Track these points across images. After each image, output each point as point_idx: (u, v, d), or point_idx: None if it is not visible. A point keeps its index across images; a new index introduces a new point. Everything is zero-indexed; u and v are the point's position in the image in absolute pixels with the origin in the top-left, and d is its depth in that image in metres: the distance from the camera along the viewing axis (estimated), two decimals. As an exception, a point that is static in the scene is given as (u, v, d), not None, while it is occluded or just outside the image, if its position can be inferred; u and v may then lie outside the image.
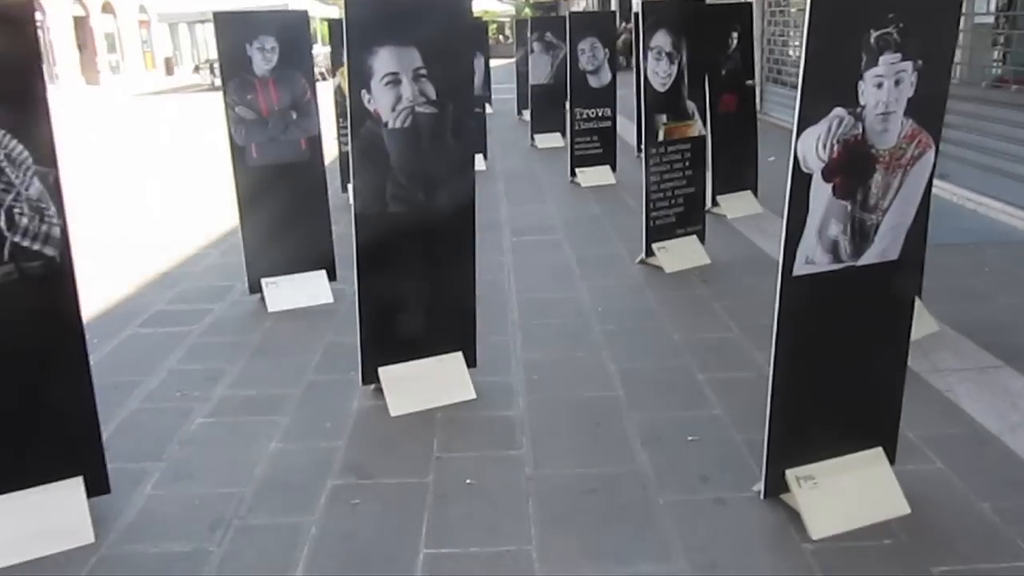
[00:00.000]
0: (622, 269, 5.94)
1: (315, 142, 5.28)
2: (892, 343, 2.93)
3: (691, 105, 5.83)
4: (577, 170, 9.08)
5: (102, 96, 28.50)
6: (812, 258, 2.68)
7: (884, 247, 2.76)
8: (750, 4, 7.49)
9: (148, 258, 6.65)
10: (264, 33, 4.99)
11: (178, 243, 7.11)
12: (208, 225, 7.61)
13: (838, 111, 2.52)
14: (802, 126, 2.51)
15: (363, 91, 3.54)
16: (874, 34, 2.45)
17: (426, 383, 3.92)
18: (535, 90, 11.83)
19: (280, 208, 5.26)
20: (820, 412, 2.90)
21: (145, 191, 10.05)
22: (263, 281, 5.32)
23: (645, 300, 5.29)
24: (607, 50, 9.03)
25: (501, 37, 35.54)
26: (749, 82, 7.44)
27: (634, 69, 10.44)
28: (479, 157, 10.19)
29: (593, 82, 9.05)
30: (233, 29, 4.97)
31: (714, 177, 7.03)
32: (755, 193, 7.63)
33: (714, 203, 7.19)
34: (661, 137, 5.72)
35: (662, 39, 5.57)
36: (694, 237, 6.07)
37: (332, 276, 5.47)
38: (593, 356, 4.43)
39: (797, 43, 12.56)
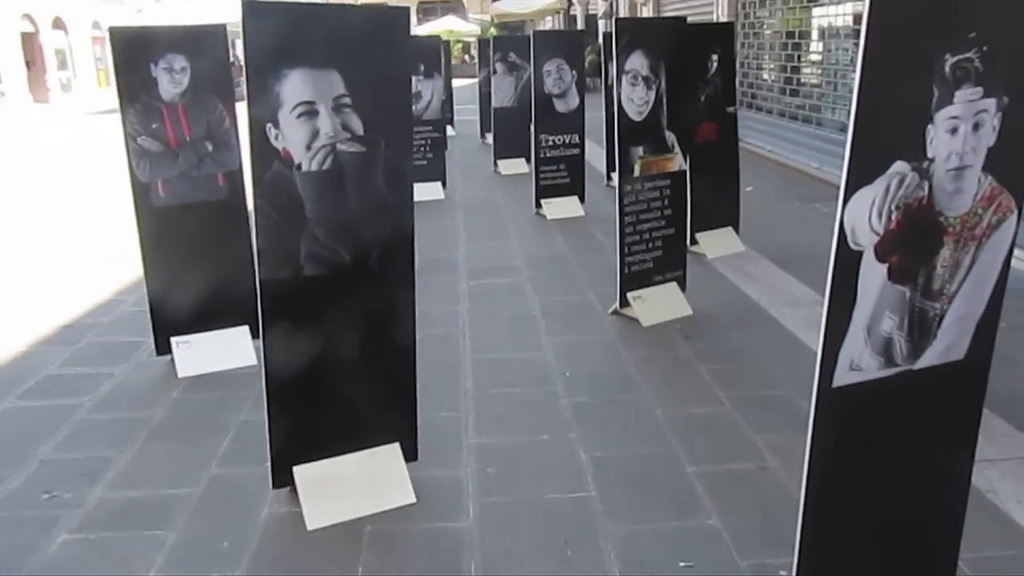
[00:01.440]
0: (593, 321, 5.23)
1: (235, 178, 4.50)
2: (953, 463, 2.24)
3: (670, 136, 5.15)
4: (543, 201, 8.38)
5: (51, 114, 27.36)
6: (858, 363, 1.99)
7: (948, 344, 2.06)
8: (731, 24, 6.86)
9: (52, 305, 5.80)
10: (172, 51, 4.22)
11: (90, 286, 6.26)
12: (128, 265, 6.77)
13: (899, 167, 1.82)
14: (851, 188, 1.81)
15: (268, 125, 2.79)
16: (950, 60, 1.76)
17: (353, 485, 3.16)
18: (498, 113, 11.15)
19: (193, 255, 4.48)
20: (865, 550, 2.19)
21: (63, 222, 9.15)
22: (173, 340, 4.52)
23: (620, 362, 4.57)
24: (574, 72, 8.36)
25: (467, 57, 34.92)
26: (730, 109, 6.80)
27: (603, 91, 9.83)
28: (436, 185, 9.47)
29: (560, 106, 8.37)
30: (134, 47, 4.20)
31: (693, 213, 6.35)
32: (736, 229, 6.97)
33: (693, 241, 6.51)
34: (637, 172, 5.03)
35: (638, 62, 4.90)
36: (674, 284, 5.37)
37: (256, 333, 4.67)
38: (560, 439, 3.69)
39: (772, 66, 12.03)
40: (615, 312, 5.26)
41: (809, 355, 4.82)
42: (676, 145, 5.19)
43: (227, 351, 4.55)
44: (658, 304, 5.21)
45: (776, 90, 11.68)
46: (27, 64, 31.85)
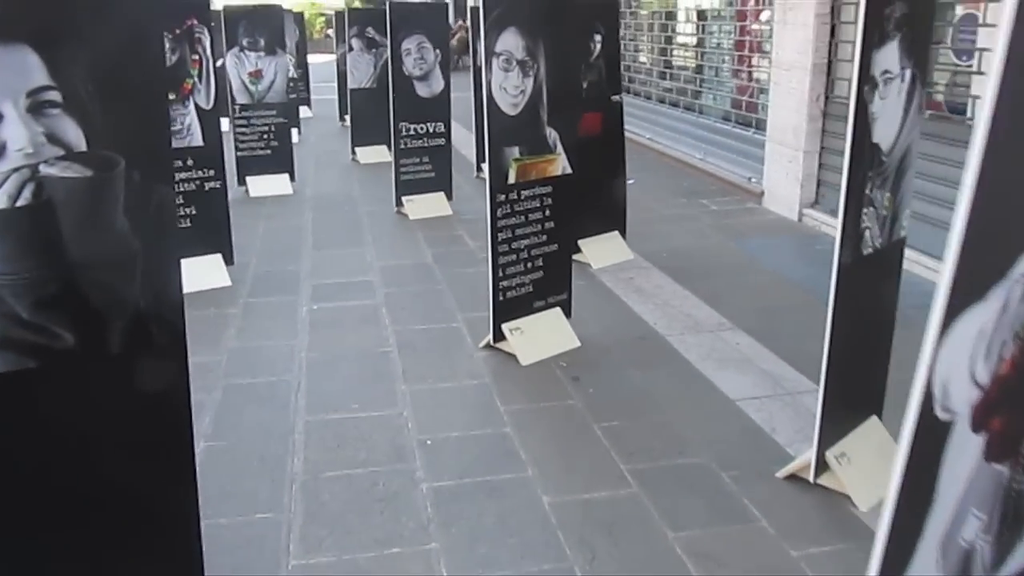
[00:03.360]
0: (461, 359, 4.27)
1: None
2: None
3: (552, 133, 4.24)
4: (404, 199, 7.34)
5: None
6: (926, 596, 1.10)
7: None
8: (616, 0, 6.01)
9: None
10: None
11: None
12: None
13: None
14: (953, 311, 0.91)
15: (-95, 138, 1.68)
16: None
17: None
18: (356, 95, 10.00)
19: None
20: None
21: None
22: None
23: (494, 420, 3.64)
24: (438, 51, 7.34)
25: (329, 32, 33.04)
26: (615, 98, 5.97)
27: (471, 70, 8.85)
28: (283, 178, 8.26)
29: (422, 90, 7.33)
30: None
31: (574, 217, 5.49)
32: (623, 234, 6.17)
33: (575, 249, 5.65)
34: (512, 179, 4.10)
35: (512, 42, 3.95)
36: (558, 311, 4.48)
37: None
38: (415, 555, 2.73)
39: (649, 48, 11.35)
40: (488, 346, 4.32)
41: (720, 400, 3.89)
42: (559, 144, 4.28)
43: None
44: (539, 336, 4.31)
45: (655, 74, 11.01)
46: None
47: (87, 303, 1.94)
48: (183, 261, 5.33)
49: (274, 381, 4.00)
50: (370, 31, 9.71)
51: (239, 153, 8.13)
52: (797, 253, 6.33)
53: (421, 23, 7.29)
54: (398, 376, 4.06)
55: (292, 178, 8.41)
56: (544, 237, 4.31)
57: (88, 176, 1.86)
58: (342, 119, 12.75)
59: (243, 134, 8.09)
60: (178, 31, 5.06)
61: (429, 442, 3.43)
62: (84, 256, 1.90)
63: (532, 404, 3.80)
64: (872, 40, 2.58)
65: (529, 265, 4.28)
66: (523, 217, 4.18)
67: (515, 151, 4.07)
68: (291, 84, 11.32)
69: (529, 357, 4.19)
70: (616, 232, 6.12)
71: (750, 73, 8.70)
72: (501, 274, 4.17)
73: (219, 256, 5.45)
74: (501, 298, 4.20)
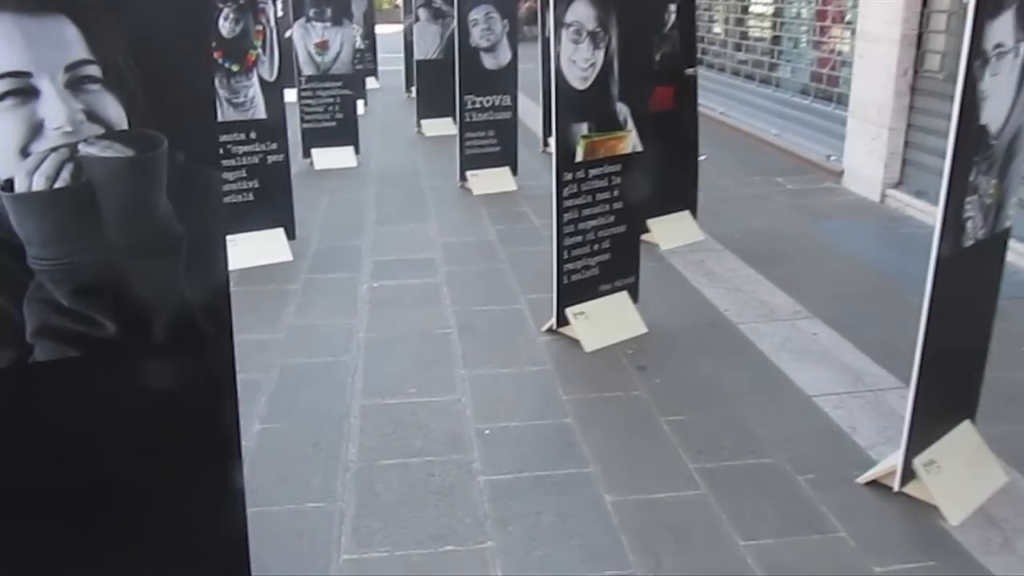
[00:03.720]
0: (524, 343, 4.12)
1: None
2: None
3: (623, 109, 4.03)
4: (468, 173, 7.19)
5: None
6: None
7: None
8: (693, -33, 5.72)
9: None
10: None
11: None
12: None
13: None
14: None
15: (-63, 114, 1.59)
16: None
17: None
18: (422, 67, 9.86)
19: None
20: None
21: None
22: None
23: (556, 410, 3.49)
24: (506, 22, 7.14)
25: (399, 1, 32.92)
26: (690, 71, 5.70)
27: (539, 41, 8.62)
28: (348, 151, 8.19)
29: (488, 62, 7.15)
30: None
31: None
32: (694, 213, 5.93)
33: (643, 229, 5.43)
34: (580, 156, 3.91)
35: (583, 12, 3.74)
36: (624, 295, 4.30)
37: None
38: (470, 554, 2.61)
39: (725, 19, 10.92)
40: (551, 331, 4.17)
41: (795, 396, 3.60)
42: (629, 120, 4.08)
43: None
44: (605, 322, 4.13)
45: (730, 45, 10.60)
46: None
47: (129, 290, 1.84)
48: (244, 235, 5.28)
49: (331, 362, 3.91)
50: (437, 1, 9.54)
51: (304, 125, 8.08)
52: (879, 237, 5.99)
53: (489, -9, 7.09)
54: (457, 360, 3.94)
55: (357, 151, 8.33)
56: (612, 218, 4.12)
57: (130, 156, 1.75)
58: (408, 90, 12.65)
59: (308, 106, 8.03)
60: (242, 0, 4.97)
61: (487, 431, 3.30)
62: (126, 241, 1.80)
63: (595, 394, 3.63)
64: (986, 9, 2.31)
65: (595, 247, 4.10)
66: (590, 197, 3.99)
67: (583, 127, 3.88)
68: (357, 55, 11.26)
69: (593, 343, 4.02)
70: (687, 211, 5.88)
71: (831, 45, 8.28)
72: (566, 256, 4.00)
73: (281, 230, 5.40)
74: (566, 281, 4.03)
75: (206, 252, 1.92)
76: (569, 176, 3.88)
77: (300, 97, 8.00)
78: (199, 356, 1.96)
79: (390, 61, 15.33)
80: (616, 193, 4.10)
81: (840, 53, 7.96)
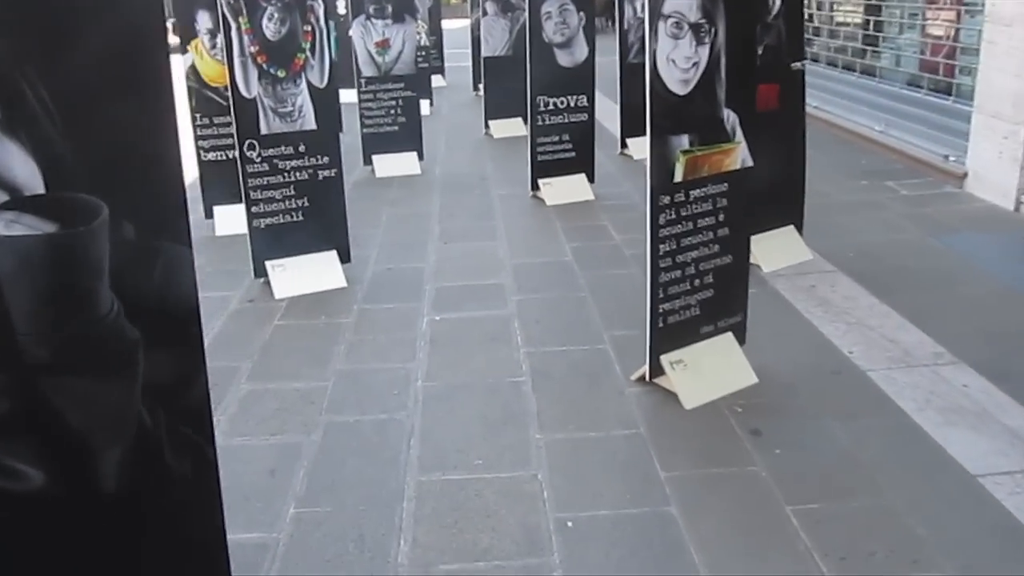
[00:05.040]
0: (609, 398, 3.47)
1: None
2: None
3: (731, 117, 3.34)
4: (541, 182, 6.55)
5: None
6: None
7: None
8: (802, -56, 4.96)
9: None
10: None
11: None
12: None
13: None
14: None
15: None
16: None
17: None
18: (489, 64, 9.25)
19: None
20: None
21: None
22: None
23: (653, 494, 2.83)
24: (582, 15, 6.46)
25: None
26: (796, 65, 4.95)
27: (616, 33, 7.93)
28: (411, 157, 7.64)
29: (563, 59, 6.49)
30: None
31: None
32: (799, 228, 5.18)
33: (744, 249, 4.71)
34: (679, 176, 3.23)
35: (685, 0, 3.06)
36: (729, 337, 3.61)
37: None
38: None
39: (817, 2, 10.01)
40: (642, 380, 3.51)
41: (955, 475, 2.80)
42: (738, 130, 3.38)
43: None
44: (707, 371, 3.45)
45: (824, 32, 9.71)
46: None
47: (60, 423, 1.26)
48: (293, 260, 4.65)
49: (384, 420, 3.33)
50: (506, -7, 8.93)
51: (365, 130, 7.56)
52: (1022, 254, 5.15)
53: (563, -18, 6.41)
54: (531, 418, 3.31)
55: (420, 156, 7.77)
56: (716, 247, 3.44)
57: (49, 233, 1.17)
58: (476, 89, 12.06)
59: (369, 109, 7.50)
60: (288, -2, 4.43)
61: (570, 523, 2.67)
62: (49, 353, 1.22)
63: (701, 470, 2.96)
64: None
65: (697, 282, 3.42)
66: (691, 223, 3.31)
67: (684, 140, 3.20)
68: (422, 53, 10.73)
69: (695, 398, 3.35)
70: (791, 227, 5.14)
71: (948, 30, 7.36)
72: (662, 294, 3.33)
73: (334, 253, 4.85)
74: (661, 324, 3.36)
75: (175, 361, 1.34)
76: (666, 199, 3.21)
77: (360, 100, 7.49)
78: (171, 509, 1.38)
79: (458, 57, 14.78)
80: (722, 218, 3.41)
81: (960, 38, 7.05)
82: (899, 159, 7.32)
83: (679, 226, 3.29)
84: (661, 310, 3.35)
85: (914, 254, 5.08)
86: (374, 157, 7.57)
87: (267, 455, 3.10)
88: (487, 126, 9.39)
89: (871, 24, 8.63)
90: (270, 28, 4.41)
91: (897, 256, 5.05)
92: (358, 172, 7.60)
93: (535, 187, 6.59)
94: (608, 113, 8.61)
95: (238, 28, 4.34)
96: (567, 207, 6.34)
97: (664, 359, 3.41)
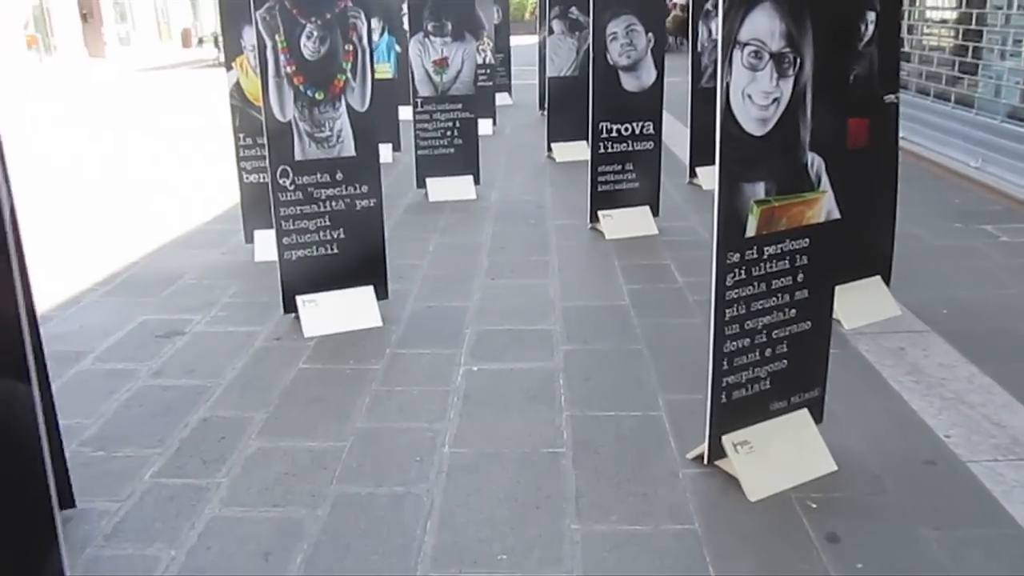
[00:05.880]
0: (661, 481, 3.00)
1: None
2: None
3: (816, 161, 2.85)
4: (601, 213, 6.12)
5: (105, 70, 25.93)
6: None
7: None
8: (901, -37, 4.43)
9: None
10: None
11: None
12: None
13: None
14: None
15: None
16: None
17: None
18: (554, 84, 8.87)
19: None
20: None
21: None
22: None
23: (709, 613, 2.36)
24: (651, 36, 6.02)
25: (527, 14, 32.07)
26: (890, 98, 4.42)
27: (690, 52, 7.47)
28: (467, 181, 7.29)
29: (628, 83, 6.05)
30: None
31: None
32: (886, 279, 4.63)
33: (822, 301, 4.18)
34: (752, 230, 2.76)
35: (765, 25, 2.60)
36: (804, 415, 3.11)
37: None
38: None
39: (914, 28, 9.36)
40: (701, 460, 3.03)
41: None
42: (824, 177, 2.89)
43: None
44: (777, 456, 2.96)
45: (914, 58, 9.05)
46: (82, 16, 30.58)
47: None
48: (326, 295, 4.30)
49: (401, 495, 2.92)
50: (573, 11, 8.53)
51: (419, 152, 7.24)
52: None
53: (631, 1, 5.98)
54: (568, 503, 2.86)
55: (477, 180, 7.42)
56: (793, 312, 2.95)
57: None
58: (542, 108, 11.71)
59: (424, 130, 7.18)
60: (328, 15, 4.10)
61: (604, 652, 2.22)
62: None
63: (768, 586, 2.48)
64: None
65: (768, 352, 2.94)
66: (764, 285, 2.84)
67: (759, 189, 2.73)
68: (485, 71, 10.42)
69: (761, 489, 2.86)
70: (878, 277, 4.59)
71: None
72: (726, 365, 2.86)
73: (370, 289, 4.49)
74: (724, 399, 2.89)
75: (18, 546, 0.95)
76: (735, 257, 2.75)
77: (415, 120, 7.17)
78: None
79: (526, 75, 14.48)
80: (800, 278, 2.92)
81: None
82: (998, 199, 6.67)
83: (749, 287, 2.81)
84: (725, 383, 2.88)
85: (1018, 314, 4.48)
86: (428, 180, 7.24)
87: (265, 533, 2.73)
88: (550, 149, 9.01)
89: (969, 50, 7.96)
90: (309, 47, 4.08)
91: (998, 316, 4.45)
92: (411, 195, 7.29)
93: (594, 218, 6.15)
94: (677, 137, 8.15)
95: (274, 46, 4.02)
96: (628, 242, 5.89)
97: (726, 440, 2.94)
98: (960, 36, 8.13)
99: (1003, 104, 7.41)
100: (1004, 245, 5.66)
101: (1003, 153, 7.04)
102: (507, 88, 13.17)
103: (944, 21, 8.67)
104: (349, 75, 4.20)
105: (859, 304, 4.38)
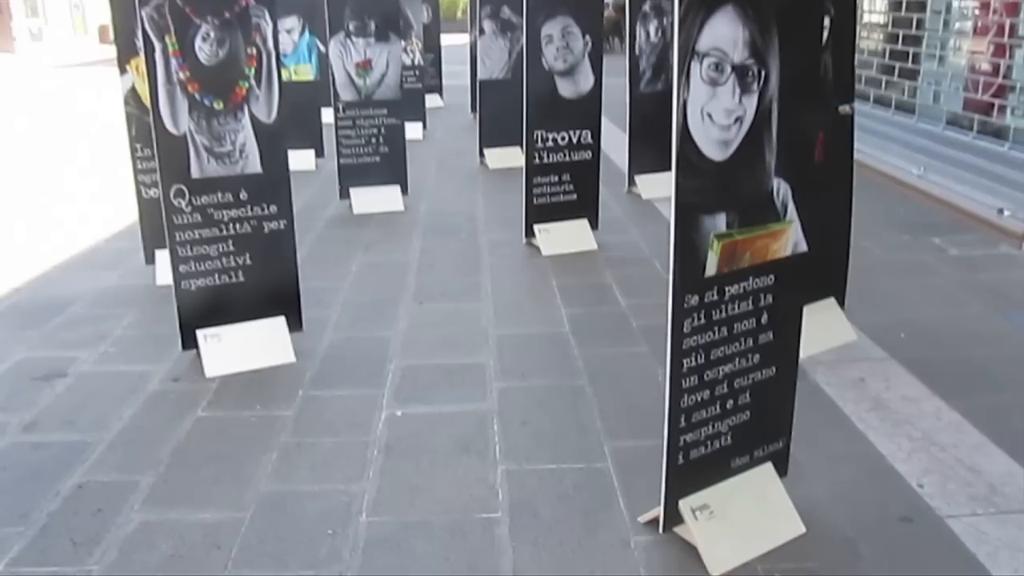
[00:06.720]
0: (610, 548, 2.62)
1: None
2: None
3: (782, 188, 2.50)
4: (537, 228, 5.73)
5: (12, 66, 24.55)
6: None
7: None
8: (856, -35, 4.15)
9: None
10: None
11: None
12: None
13: None
14: None
15: None
16: None
17: None
18: (486, 88, 8.46)
19: None
20: None
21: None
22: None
23: None
24: (588, 39, 5.65)
25: (461, 12, 31.36)
26: (844, 109, 4.13)
27: (626, 54, 7.15)
28: (393, 191, 6.84)
29: (565, 89, 5.68)
30: None
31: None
32: (841, 301, 4.34)
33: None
34: (712, 269, 2.39)
35: (727, 33, 2.23)
36: (768, 470, 2.76)
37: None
38: None
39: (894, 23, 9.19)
40: (655, 524, 2.66)
41: None
42: (790, 204, 2.55)
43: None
44: (741, 519, 2.61)
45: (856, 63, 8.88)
46: (-11, 9, 29.00)
47: None
48: (231, 328, 3.86)
49: (305, 580, 2.48)
50: (505, 11, 8.14)
51: (342, 160, 6.76)
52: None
53: (567, 2, 5.61)
54: (503, 587, 2.46)
55: (404, 190, 6.96)
56: (756, 358, 2.60)
57: None
58: (474, 110, 11.30)
59: (347, 137, 6.69)
60: (227, 14, 3.61)
61: None
62: None
63: None
64: None
65: (730, 404, 2.58)
66: (725, 329, 2.48)
67: (720, 221, 2.37)
68: (416, 72, 9.97)
69: (723, 561, 2.50)
70: (832, 299, 4.31)
71: (999, 63, 6.56)
72: (683, 423, 2.49)
73: (282, 320, 4.02)
74: (681, 460, 2.52)
75: None
76: (694, 300, 2.38)
77: (338, 127, 6.68)
78: None
79: (458, 75, 14.01)
80: (765, 320, 2.58)
81: (1009, 75, 6.25)
82: (942, 209, 6.50)
83: (709, 333, 2.45)
84: (682, 442, 2.51)
85: (979, 338, 4.24)
86: (352, 190, 6.76)
87: (138, 640, 2.26)
88: (482, 155, 8.60)
89: (909, 55, 7.82)
90: (204, 50, 3.59)
91: (959, 340, 4.21)
92: (334, 207, 6.80)
93: (530, 233, 5.76)
94: (615, 143, 7.81)
95: (164, 49, 3.52)
96: (566, 258, 5.52)
97: (684, 504, 2.57)
98: (899, 41, 7.98)
99: (943, 111, 7.28)
100: (954, 259, 5.46)
101: (945, 161, 6.90)
102: (438, 89, 12.70)
103: (883, 25, 8.54)
104: (252, 82, 3.73)
105: (815, 329, 4.01)
